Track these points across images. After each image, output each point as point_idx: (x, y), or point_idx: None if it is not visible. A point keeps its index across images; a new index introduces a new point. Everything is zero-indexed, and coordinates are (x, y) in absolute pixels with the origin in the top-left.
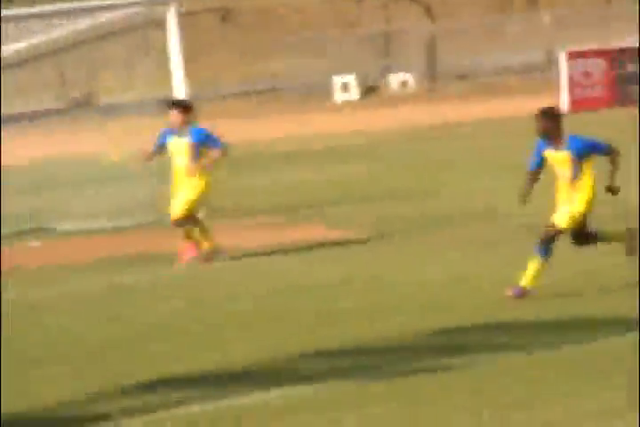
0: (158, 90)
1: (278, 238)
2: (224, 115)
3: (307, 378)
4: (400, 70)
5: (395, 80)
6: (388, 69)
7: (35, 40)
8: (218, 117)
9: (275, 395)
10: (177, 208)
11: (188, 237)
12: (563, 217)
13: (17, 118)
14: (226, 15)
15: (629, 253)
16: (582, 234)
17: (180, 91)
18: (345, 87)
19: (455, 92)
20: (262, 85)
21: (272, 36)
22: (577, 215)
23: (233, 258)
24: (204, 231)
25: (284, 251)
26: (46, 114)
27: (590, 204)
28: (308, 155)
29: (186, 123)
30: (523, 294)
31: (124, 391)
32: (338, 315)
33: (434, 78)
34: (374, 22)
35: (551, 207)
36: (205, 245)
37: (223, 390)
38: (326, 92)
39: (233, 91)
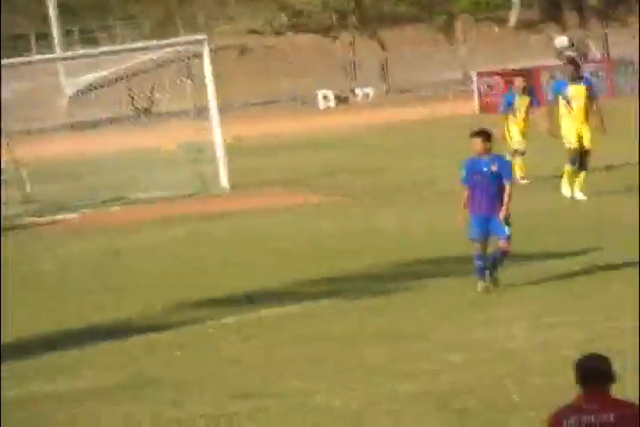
0: (197, 102)
1: (284, 202)
2: (248, 119)
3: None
4: (363, 86)
5: (360, 93)
6: (355, 86)
7: (111, 69)
8: (244, 121)
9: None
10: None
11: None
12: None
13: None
14: (242, 51)
15: None
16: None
17: (212, 103)
18: (325, 98)
19: (402, 101)
20: (269, 98)
21: (276, 65)
22: None
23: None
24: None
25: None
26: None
27: None
28: (305, 144)
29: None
30: None
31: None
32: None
33: (387, 91)
34: (345, 53)
35: None
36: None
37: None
38: (312, 101)
39: (248, 102)
